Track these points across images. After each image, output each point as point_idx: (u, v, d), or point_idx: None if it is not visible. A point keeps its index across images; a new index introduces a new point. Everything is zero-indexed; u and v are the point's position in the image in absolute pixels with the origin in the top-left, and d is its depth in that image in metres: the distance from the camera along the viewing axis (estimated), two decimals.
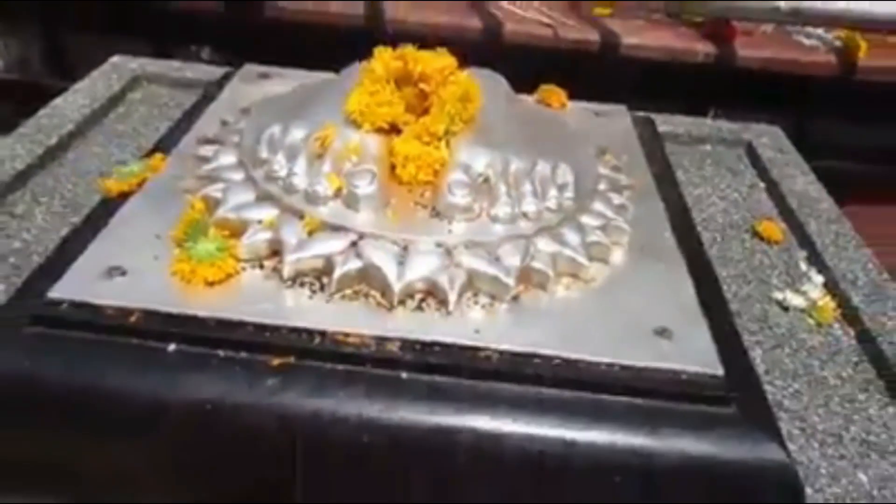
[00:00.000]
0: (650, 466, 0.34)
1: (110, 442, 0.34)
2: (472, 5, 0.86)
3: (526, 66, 0.87)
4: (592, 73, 0.87)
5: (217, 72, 0.79)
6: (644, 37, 0.87)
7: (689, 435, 0.34)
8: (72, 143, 0.66)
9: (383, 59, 0.45)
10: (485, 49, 0.87)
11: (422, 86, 0.43)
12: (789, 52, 0.90)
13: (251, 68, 0.62)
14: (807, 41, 0.89)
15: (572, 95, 0.66)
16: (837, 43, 0.90)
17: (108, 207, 0.44)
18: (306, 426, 0.33)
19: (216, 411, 0.33)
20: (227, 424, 0.33)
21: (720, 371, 0.36)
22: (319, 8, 0.87)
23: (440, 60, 0.44)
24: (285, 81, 0.59)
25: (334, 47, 0.93)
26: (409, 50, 0.45)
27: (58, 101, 0.70)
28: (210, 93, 0.60)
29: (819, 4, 0.75)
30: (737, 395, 0.36)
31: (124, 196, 0.45)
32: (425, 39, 0.87)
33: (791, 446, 0.41)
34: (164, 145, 0.50)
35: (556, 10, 0.84)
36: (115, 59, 0.79)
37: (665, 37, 0.87)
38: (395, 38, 0.88)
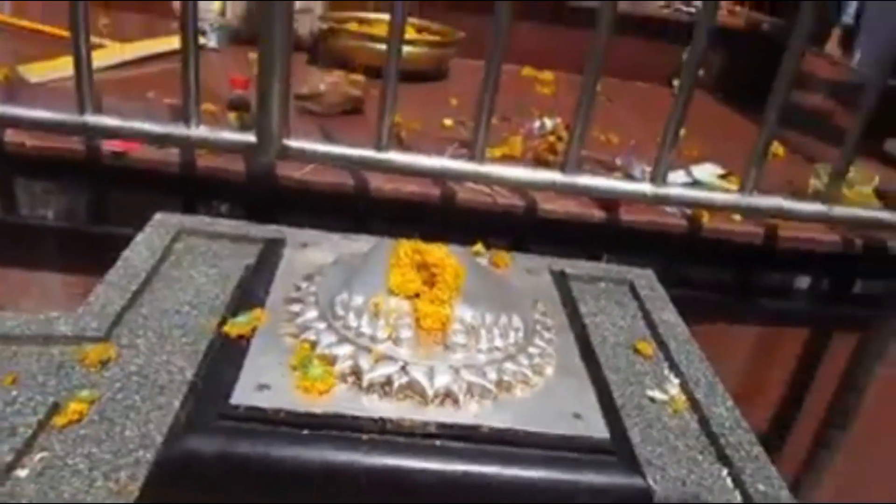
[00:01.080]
0: (573, 491, 0.59)
1: (276, 490, 0.57)
2: (434, 180, 1.14)
3: (472, 221, 1.16)
4: (519, 228, 1.15)
5: (240, 225, 0.98)
6: (556, 203, 1.13)
7: (591, 472, 0.59)
8: (146, 287, 0.84)
9: (405, 250, 0.70)
10: (442, 210, 1.15)
11: (432, 269, 0.69)
12: (657, 217, 1.18)
13: (294, 237, 0.87)
14: (669, 209, 1.18)
15: (508, 244, 0.92)
16: (689, 211, 1.18)
17: (234, 346, 0.66)
18: (386, 474, 0.57)
19: (334, 467, 0.57)
20: (339, 474, 0.57)
21: (608, 436, 0.62)
22: (317, 178, 1.13)
23: (440, 251, 0.70)
24: (322, 249, 0.84)
25: (330, 207, 1.19)
26: (422, 245, 0.71)
27: (127, 253, 0.88)
28: (268, 257, 0.83)
29: (674, 191, 1.08)
30: (617, 450, 0.62)
31: (241, 338, 0.68)
32: (399, 203, 1.15)
33: (655, 486, 0.65)
34: (256, 301, 0.72)
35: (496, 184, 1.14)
36: (159, 216, 0.97)
37: (570, 204, 1.14)
38: (377, 202, 1.15)
